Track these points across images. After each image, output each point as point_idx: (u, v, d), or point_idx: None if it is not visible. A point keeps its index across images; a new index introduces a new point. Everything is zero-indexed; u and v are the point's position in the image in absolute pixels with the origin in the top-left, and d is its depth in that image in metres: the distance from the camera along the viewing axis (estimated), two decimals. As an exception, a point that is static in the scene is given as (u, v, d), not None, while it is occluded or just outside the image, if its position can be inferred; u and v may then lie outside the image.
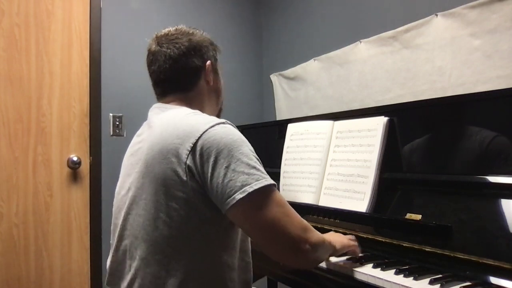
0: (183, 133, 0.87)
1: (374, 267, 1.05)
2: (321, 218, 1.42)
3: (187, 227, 0.86)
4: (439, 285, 0.90)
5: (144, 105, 2.41)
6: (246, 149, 0.87)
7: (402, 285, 0.93)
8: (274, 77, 2.72)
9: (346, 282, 1.06)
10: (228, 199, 0.81)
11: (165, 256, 0.86)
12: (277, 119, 2.65)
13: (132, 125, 2.33)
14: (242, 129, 2.22)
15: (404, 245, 1.12)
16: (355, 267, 1.06)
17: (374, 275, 1.00)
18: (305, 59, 2.42)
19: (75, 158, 2.15)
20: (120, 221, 0.96)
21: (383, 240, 1.18)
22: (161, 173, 0.86)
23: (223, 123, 0.90)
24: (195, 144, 0.84)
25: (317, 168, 1.50)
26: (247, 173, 0.82)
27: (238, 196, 0.80)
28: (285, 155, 1.68)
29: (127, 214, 0.94)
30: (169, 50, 1.00)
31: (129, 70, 2.36)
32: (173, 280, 0.86)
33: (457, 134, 1.20)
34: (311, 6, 2.44)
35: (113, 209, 1.03)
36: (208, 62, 1.05)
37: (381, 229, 1.22)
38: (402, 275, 0.97)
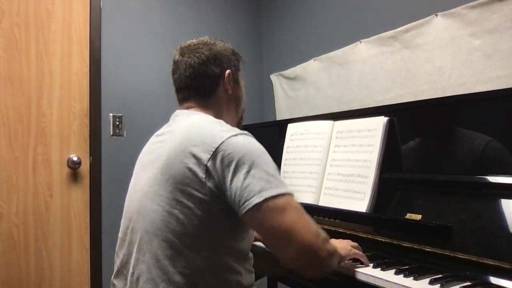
0: (206, 136, 0.90)
1: (374, 267, 1.05)
2: (321, 218, 1.42)
3: (199, 226, 0.88)
4: (439, 285, 0.90)
5: (144, 105, 2.44)
6: (266, 158, 0.90)
7: (402, 285, 0.93)
8: (274, 77, 2.72)
9: (346, 282, 1.06)
10: (246, 202, 0.83)
11: (175, 252, 0.88)
12: (277, 119, 2.65)
13: (132, 125, 2.33)
14: (243, 129, 2.22)
15: (404, 245, 1.12)
16: (355, 267, 1.06)
17: (374, 275, 1.00)
18: (305, 59, 2.42)
19: (75, 158, 2.15)
20: (133, 215, 0.98)
21: (383, 240, 1.18)
22: (180, 171, 0.89)
23: (246, 134, 0.93)
24: (217, 149, 0.87)
25: (317, 168, 1.50)
26: (266, 179, 0.85)
27: (256, 200, 0.82)
28: (285, 155, 1.68)
29: (141, 208, 0.95)
30: (190, 59, 1.06)
31: (129, 70, 2.36)
32: (180, 276, 0.87)
33: (457, 134, 1.20)
34: (311, 6, 2.44)
35: (126, 202, 1.06)
36: (228, 71, 1.09)
37: (381, 229, 1.22)
38: (402, 275, 0.97)
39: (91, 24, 2.24)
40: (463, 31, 1.58)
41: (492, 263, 0.92)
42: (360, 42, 2.04)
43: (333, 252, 0.91)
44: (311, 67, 2.38)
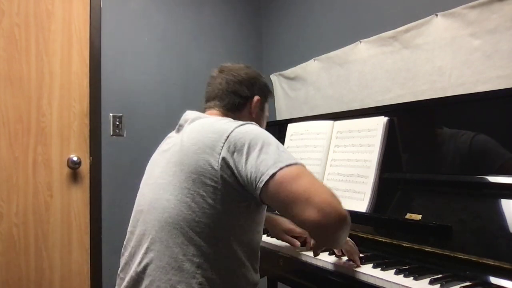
0: (218, 129, 0.95)
1: (374, 267, 1.05)
2: (321, 218, 1.42)
3: (211, 214, 0.90)
4: (439, 285, 0.90)
5: (144, 105, 2.44)
6: (273, 139, 0.94)
7: (402, 285, 0.93)
8: (274, 77, 2.72)
9: (346, 282, 1.06)
10: (263, 176, 0.86)
11: (185, 240, 0.90)
12: (277, 119, 2.65)
13: (132, 125, 2.33)
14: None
15: (404, 245, 1.12)
16: (355, 267, 1.06)
17: (374, 275, 1.00)
18: (305, 59, 2.42)
19: (75, 158, 2.15)
20: (144, 207, 1.00)
21: (383, 240, 1.18)
22: (193, 162, 0.92)
23: (253, 123, 0.99)
24: (228, 136, 0.92)
25: (317, 168, 1.50)
26: (278, 153, 0.89)
27: (272, 170, 0.86)
28: (285, 155, 1.68)
29: (153, 199, 0.97)
30: (227, 76, 1.15)
31: (129, 70, 2.36)
32: (190, 264, 0.89)
33: (457, 134, 1.20)
34: (311, 6, 2.44)
35: (137, 199, 1.08)
36: (257, 97, 1.17)
37: (381, 229, 1.22)
38: (402, 275, 0.97)
39: (91, 24, 2.24)
40: (463, 31, 1.58)
41: (492, 263, 0.92)
42: (360, 42, 2.04)
43: (347, 217, 0.90)
44: (311, 67, 2.38)
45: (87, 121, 2.22)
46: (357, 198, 1.31)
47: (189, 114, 1.10)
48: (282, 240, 1.33)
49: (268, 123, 2.10)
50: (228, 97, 1.13)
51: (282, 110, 2.64)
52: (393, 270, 1.00)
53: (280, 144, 0.95)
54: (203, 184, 0.90)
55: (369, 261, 1.09)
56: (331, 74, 2.23)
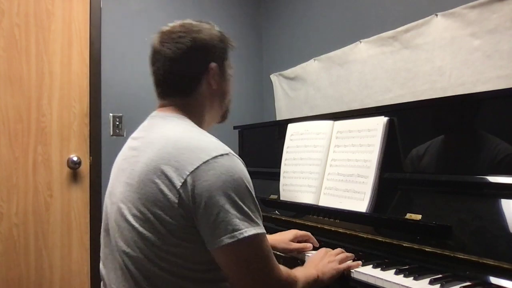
0: (181, 156, 0.83)
1: (374, 267, 1.05)
2: (321, 218, 1.42)
3: (174, 248, 0.83)
4: (439, 285, 0.90)
5: (144, 105, 2.43)
6: (244, 190, 0.83)
7: (402, 285, 0.93)
8: (274, 77, 2.72)
9: (346, 282, 1.06)
10: (217, 240, 0.80)
11: (149, 276, 0.84)
12: (277, 119, 2.65)
13: (132, 125, 2.31)
14: (242, 129, 2.23)
15: (404, 245, 1.12)
16: (356, 267, 1.06)
17: (374, 275, 1.00)
18: (305, 59, 2.42)
19: (75, 158, 2.15)
20: (110, 229, 0.93)
21: (383, 240, 1.18)
22: (152, 192, 0.83)
23: (227, 154, 0.84)
24: (192, 173, 0.81)
25: (317, 168, 1.50)
26: (239, 217, 0.81)
27: (227, 240, 0.79)
28: (285, 155, 1.68)
29: (116, 225, 0.90)
30: (169, 51, 0.94)
31: (129, 70, 2.36)
32: None
33: (457, 134, 1.20)
34: (311, 6, 2.44)
35: (104, 208, 0.99)
36: (213, 65, 0.97)
37: (381, 229, 1.22)
38: (402, 275, 0.97)
39: (91, 24, 2.24)
40: (463, 31, 1.58)
41: (492, 263, 0.92)
42: (360, 42, 2.04)
43: None
44: (311, 67, 2.38)
45: (87, 121, 2.22)
46: (357, 198, 1.31)
47: (155, 117, 0.98)
48: (292, 250, 1.25)
49: (268, 123, 2.08)
50: (177, 79, 0.96)
51: (282, 110, 2.64)
52: (393, 270, 1.00)
53: (248, 195, 0.84)
54: (162, 220, 0.82)
55: (369, 261, 1.09)
56: (331, 74, 2.23)
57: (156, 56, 0.97)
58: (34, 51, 2.09)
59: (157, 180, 0.82)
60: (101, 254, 0.98)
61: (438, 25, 1.67)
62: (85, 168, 2.20)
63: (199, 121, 0.99)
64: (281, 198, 1.65)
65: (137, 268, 0.85)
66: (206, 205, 0.80)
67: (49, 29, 2.12)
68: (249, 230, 0.80)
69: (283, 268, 0.90)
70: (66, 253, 2.14)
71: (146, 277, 0.84)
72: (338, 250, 1.14)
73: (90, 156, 2.21)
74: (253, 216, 0.83)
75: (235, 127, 2.20)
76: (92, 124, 2.22)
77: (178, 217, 0.81)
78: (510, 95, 1.08)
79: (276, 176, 1.70)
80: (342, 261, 1.08)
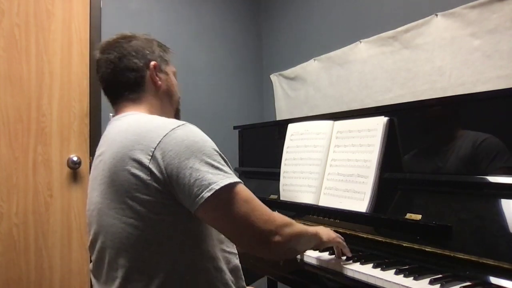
0: (143, 138, 0.86)
1: (374, 267, 1.05)
2: (321, 218, 1.42)
3: (160, 228, 0.86)
4: (439, 285, 0.90)
5: (144, 105, 2.42)
6: (209, 149, 0.87)
7: (402, 285, 0.93)
8: (274, 77, 2.72)
9: (346, 282, 1.06)
10: (197, 199, 0.82)
11: (144, 262, 0.86)
12: (277, 119, 2.65)
13: (132, 125, 2.32)
14: (242, 129, 2.23)
15: (404, 245, 1.12)
16: (355, 267, 1.06)
17: (374, 275, 1.00)
18: (305, 59, 2.43)
19: (75, 158, 2.15)
20: (96, 236, 0.95)
21: (383, 240, 1.18)
22: (125, 179, 0.86)
23: (183, 124, 0.89)
24: (156, 148, 0.84)
25: (317, 168, 1.50)
26: (211, 172, 0.83)
27: (206, 194, 0.81)
28: (285, 155, 1.68)
29: (100, 226, 0.92)
30: (110, 55, 1.01)
31: (129, 70, 2.36)
32: (157, 280, 0.86)
33: (457, 134, 1.20)
34: (311, 6, 2.44)
35: (87, 223, 1.02)
36: (153, 63, 1.04)
37: (381, 229, 1.22)
38: (402, 275, 0.97)
39: (91, 24, 2.23)
40: (463, 31, 1.58)
41: (492, 263, 0.92)
42: (360, 42, 2.04)
43: (294, 235, 0.93)
44: (311, 67, 2.38)
45: (87, 121, 2.22)
46: (357, 198, 1.31)
47: (112, 121, 1.01)
48: None
49: (268, 123, 2.09)
50: (121, 77, 1.01)
51: (282, 110, 2.64)
52: (393, 270, 1.00)
53: (215, 155, 0.87)
54: (141, 201, 0.85)
55: (369, 261, 1.09)
56: (331, 74, 2.23)
57: (99, 63, 1.03)
58: (34, 51, 2.09)
59: (127, 167, 0.86)
60: (92, 269, 1.02)
61: (438, 25, 1.67)
62: (85, 168, 2.20)
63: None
64: (281, 198, 1.65)
65: (126, 256, 0.87)
66: (178, 171, 0.83)
67: (49, 29, 2.12)
68: (224, 181, 0.83)
69: (275, 213, 0.92)
70: (66, 253, 2.14)
71: (136, 267, 0.86)
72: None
73: (90, 156, 2.21)
74: (225, 169, 0.86)
75: (235, 127, 2.20)
76: (92, 124, 2.22)
77: (154, 192, 0.84)
78: (510, 95, 1.08)
79: (276, 176, 1.70)
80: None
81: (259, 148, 2.08)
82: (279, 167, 1.69)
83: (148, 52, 1.04)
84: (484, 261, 0.94)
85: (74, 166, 2.15)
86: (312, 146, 1.56)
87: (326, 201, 1.43)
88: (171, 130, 0.86)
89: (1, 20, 2.01)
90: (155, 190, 0.84)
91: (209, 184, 0.82)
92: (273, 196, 1.71)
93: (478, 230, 1.01)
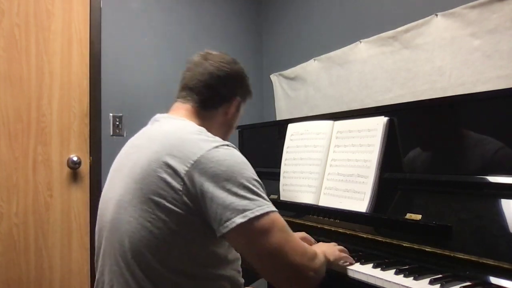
0: (184, 146, 0.85)
1: (374, 267, 1.05)
2: (321, 218, 1.42)
3: (175, 240, 0.84)
4: (439, 285, 0.90)
5: (144, 105, 2.44)
6: (248, 173, 0.85)
7: (402, 285, 0.93)
8: (274, 77, 2.72)
9: (346, 282, 1.06)
10: (227, 222, 0.80)
11: (149, 267, 0.84)
12: (277, 119, 2.65)
13: (132, 125, 2.33)
14: (242, 129, 2.23)
15: (404, 245, 1.12)
16: (355, 267, 1.06)
17: (374, 275, 1.00)
18: (305, 59, 2.43)
19: (75, 158, 2.15)
20: (106, 224, 0.93)
21: (383, 240, 1.18)
22: (154, 182, 0.84)
23: (227, 145, 0.88)
24: (196, 161, 0.83)
25: (317, 168, 1.50)
26: (249, 198, 0.81)
27: (239, 220, 0.79)
28: (285, 155, 1.68)
29: (114, 218, 0.90)
30: (212, 67, 1.04)
31: (129, 70, 2.36)
32: None
33: (457, 134, 1.20)
34: (311, 6, 2.44)
35: (99, 209, 1.00)
36: (238, 98, 1.09)
37: (381, 229, 1.22)
38: (402, 275, 0.97)
39: (91, 24, 2.24)
40: (463, 31, 1.58)
41: (492, 263, 0.92)
42: (360, 42, 2.04)
43: (322, 266, 0.91)
44: (311, 67, 2.38)
45: (87, 121, 2.22)
46: (357, 198, 1.31)
47: (163, 118, 1.03)
48: None
49: (268, 123, 2.09)
50: (206, 93, 1.03)
51: (282, 110, 2.64)
52: (393, 270, 1.00)
53: (253, 179, 0.85)
54: (165, 209, 0.82)
55: (369, 261, 1.09)
56: (331, 74, 2.23)
57: (194, 66, 1.06)
58: (34, 51, 2.09)
59: (160, 170, 0.84)
60: (96, 257, 0.99)
61: (438, 25, 1.67)
62: (85, 168, 2.20)
63: None
64: (281, 198, 1.65)
65: (133, 257, 0.85)
66: (213, 190, 0.81)
67: (49, 29, 2.12)
68: (260, 209, 0.81)
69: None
70: (66, 253, 2.14)
71: (142, 269, 0.84)
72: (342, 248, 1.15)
73: (90, 156, 2.21)
74: (262, 197, 0.84)
75: (235, 127, 2.20)
76: (92, 124, 2.22)
77: (181, 204, 0.82)
78: (510, 95, 1.08)
79: (276, 176, 1.70)
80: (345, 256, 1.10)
81: (259, 148, 2.08)
82: (279, 167, 1.69)
83: (239, 85, 1.10)
84: (484, 261, 0.94)
85: (74, 166, 2.15)
86: (312, 146, 1.56)
87: (326, 201, 1.43)
88: (215, 148, 0.85)
89: (1, 20, 2.01)
90: (182, 202, 0.82)
91: (244, 210, 0.80)
92: (273, 196, 1.71)
93: (478, 230, 1.01)
